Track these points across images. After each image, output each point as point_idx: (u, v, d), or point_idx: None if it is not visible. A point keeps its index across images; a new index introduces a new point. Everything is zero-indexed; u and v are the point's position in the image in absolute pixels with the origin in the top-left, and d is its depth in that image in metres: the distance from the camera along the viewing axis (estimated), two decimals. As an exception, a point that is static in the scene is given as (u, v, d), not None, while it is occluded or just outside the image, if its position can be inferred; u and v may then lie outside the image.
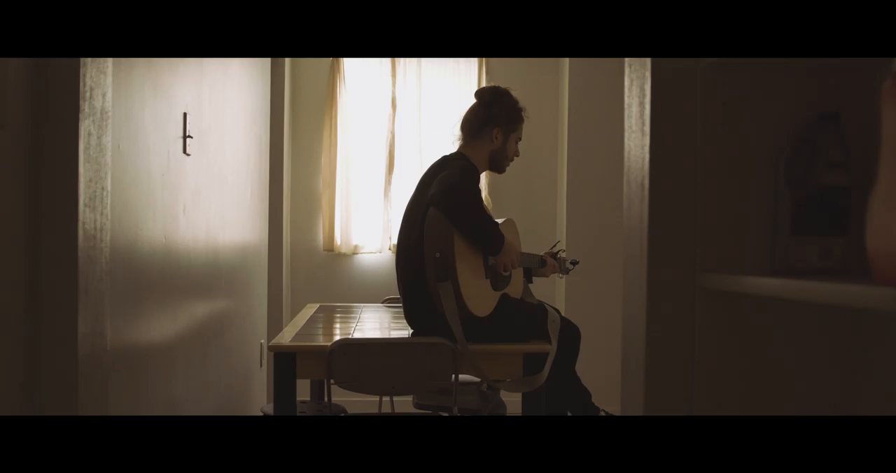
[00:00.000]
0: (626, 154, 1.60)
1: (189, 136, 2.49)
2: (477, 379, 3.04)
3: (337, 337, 2.95)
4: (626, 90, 1.60)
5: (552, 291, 5.13)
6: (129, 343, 2.02)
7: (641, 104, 1.50)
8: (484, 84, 5.10)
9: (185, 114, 2.46)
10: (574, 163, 4.93)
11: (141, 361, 2.11)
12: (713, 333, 1.45)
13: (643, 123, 1.49)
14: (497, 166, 3.05)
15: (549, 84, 5.27)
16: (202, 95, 2.72)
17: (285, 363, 2.69)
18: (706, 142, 1.44)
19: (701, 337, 1.45)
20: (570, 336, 2.98)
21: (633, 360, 1.52)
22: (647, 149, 1.47)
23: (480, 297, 2.80)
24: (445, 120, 5.06)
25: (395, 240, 5.11)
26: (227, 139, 3.20)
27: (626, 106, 1.60)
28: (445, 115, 5.09)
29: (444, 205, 2.67)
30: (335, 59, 5.18)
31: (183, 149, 2.46)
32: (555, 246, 3.36)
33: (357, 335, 3.05)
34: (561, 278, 3.77)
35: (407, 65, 5.24)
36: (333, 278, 5.27)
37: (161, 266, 2.26)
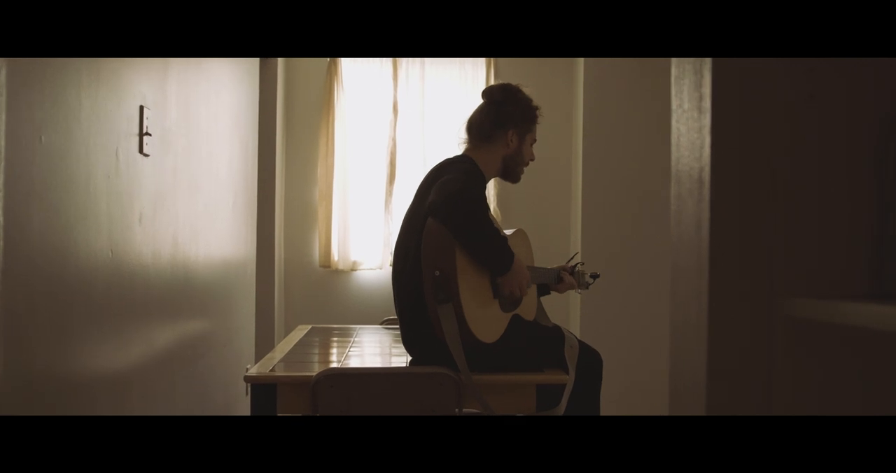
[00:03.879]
0: (674, 140, 1.23)
1: (147, 134, 2.14)
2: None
3: (334, 364, 2.60)
4: (675, 59, 1.23)
5: (566, 309, 4.74)
6: (62, 377, 1.66)
7: (698, 72, 1.13)
8: (492, 87, 4.74)
9: (141, 108, 2.11)
10: (590, 170, 4.55)
11: (80, 397, 1.75)
12: (797, 375, 1.08)
13: (700, 98, 1.12)
14: (511, 173, 2.70)
15: (562, 85, 4.91)
16: (167, 89, 2.37)
17: (264, 396, 2.36)
18: (788, 122, 1.08)
19: (781, 380, 1.08)
20: (590, 364, 2.60)
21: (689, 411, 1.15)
22: (706, 131, 1.10)
23: (487, 320, 2.43)
24: (451, 126, 4.68)
25: (394, 256, 4.75)
26: (201, 141, 2.85)
27: (673, 78, 1.23)
28: (451, 121, 4.73)
29: (445, 215, 2.30)
30: (332, 59, 4.83)
31: (139, 149, 2.10)
32: (572, 259, 2.98)
33: (354, 361, 2.69)
34: (579, 294, 3.39)
35: (409, 66, 4.89)
36: (330, 297, 4.91)
37: (107, 284, 1.90)
